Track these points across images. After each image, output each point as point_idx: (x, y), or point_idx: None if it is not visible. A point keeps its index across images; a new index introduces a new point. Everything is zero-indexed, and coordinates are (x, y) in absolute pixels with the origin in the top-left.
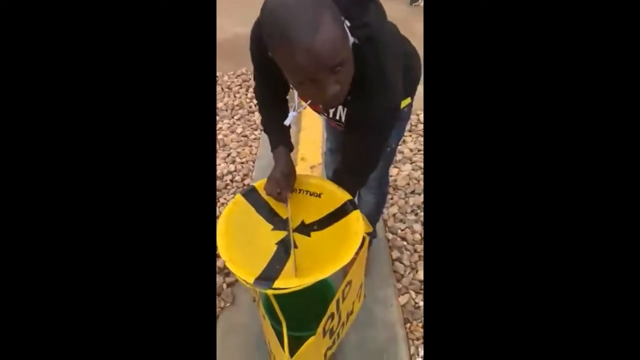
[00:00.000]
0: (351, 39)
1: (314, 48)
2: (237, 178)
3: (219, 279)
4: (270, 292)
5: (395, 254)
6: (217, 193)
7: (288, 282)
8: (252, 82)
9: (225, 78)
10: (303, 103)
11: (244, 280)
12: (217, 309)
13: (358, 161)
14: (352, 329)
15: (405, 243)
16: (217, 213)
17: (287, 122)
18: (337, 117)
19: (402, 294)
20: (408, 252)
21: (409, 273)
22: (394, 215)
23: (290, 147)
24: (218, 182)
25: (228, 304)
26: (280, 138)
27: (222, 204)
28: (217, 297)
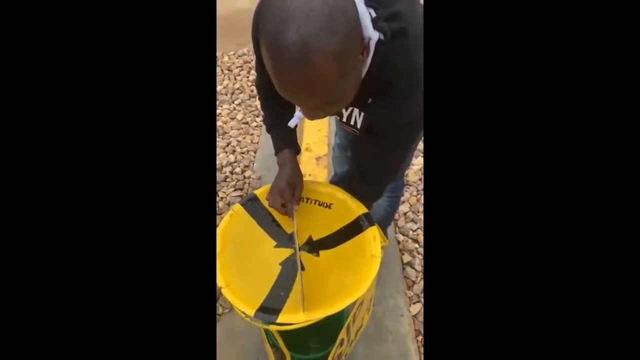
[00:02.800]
0: (375, 35)
1: (298, 81)
2: (237, 170)
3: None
4: (273, 328)
5: (407, 257)
6: (216, 186)
7: (294, 316)
8: (254, 64)
9: (225, 59)
10: None
11: (243, 313)
12: (215, 315)
13: (376, 170)
14: (360, 342)
15: (417, 246)
16: (218, 208)
17: (291, 124)
18: (352, 122)
19: (414, 303)
20: (420, 256)
21: (421, 279)
22: (404, 214)
23: (297, 150)
24: (217, 174)
25: (227, 310)
26: (286, 139)
27: (221, 198)
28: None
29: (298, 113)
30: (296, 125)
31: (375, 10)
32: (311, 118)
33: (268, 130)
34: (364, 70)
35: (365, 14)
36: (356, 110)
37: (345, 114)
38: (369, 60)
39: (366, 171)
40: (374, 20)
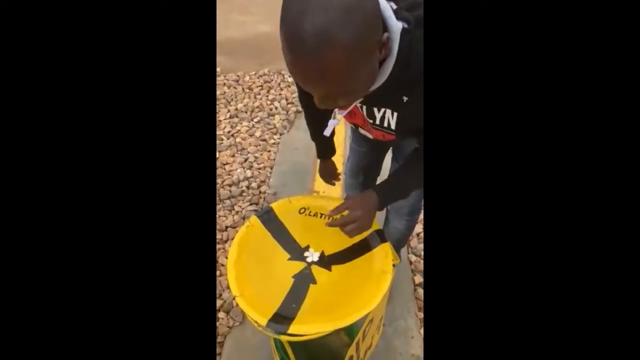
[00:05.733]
0: (399, 24)
1: (310, 70)
2: (254, 185)
3: (229, 295)
4: (284, 338)
5: (418, 278)
6: (232, 200)
7: (305, 327)
8: (273, 84)
9: (247, 78)
10: (341, 111)
11: (255, 322)
12: (226, 328)
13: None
14: None
15: None
16: (232, 222)
17: (326, 133)
18: (385, 124)
19: None
20: None
21: None
22: (417, 234)
23: (332, 155)
24: (233, 189)
25: (237, 323)
26: (323, 151)
27: (237, 212)
28: (226, 315)
29: (332, 121)
30: (333, 132)
31: (396, 2)
32: (322, 107)
33: (312, 139)
34: (390, 65)
35: (387, 7)
36: (389, 112)
37: (378, 115)
38: (393, 55)
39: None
40: (396, 12)
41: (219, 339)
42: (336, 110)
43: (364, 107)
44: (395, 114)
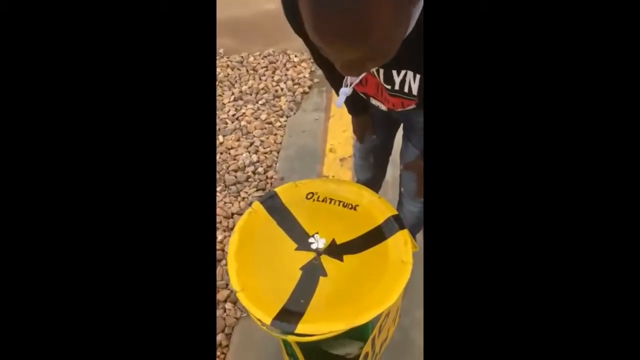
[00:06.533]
0: None
1: (344, 26)
2: (260, 170)
3: None
4: (292, 338)
5: None
6: (238, 186)
7: (315, 326)
8: (279, 64)
9: (251, 59)
10: (353, 79)
11: (259, 321)
12: (233, 319)
13: None
14: (384, 355)
15: None
16: (238, 208)
17: (338, 104)
18: (406, 89)
19: None
20: None
21: None
22: None
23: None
24: (239, 174)
25: (245, 314)
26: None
27: (243, 198)
28: (233, 306)
29: (343, 89)
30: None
31: None
32: (347, 73)
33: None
34: (417, 13)
35: None
36: (410, 74)
37: (398, 79)
38: (422, 1)
39: None
40: None
41: (226, 331)
42: (348, 79)
43: (381, 71)
44: (418, 76)
